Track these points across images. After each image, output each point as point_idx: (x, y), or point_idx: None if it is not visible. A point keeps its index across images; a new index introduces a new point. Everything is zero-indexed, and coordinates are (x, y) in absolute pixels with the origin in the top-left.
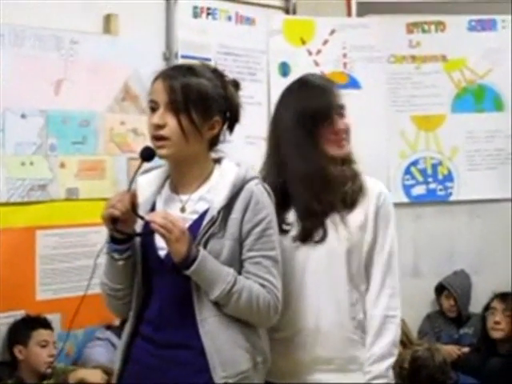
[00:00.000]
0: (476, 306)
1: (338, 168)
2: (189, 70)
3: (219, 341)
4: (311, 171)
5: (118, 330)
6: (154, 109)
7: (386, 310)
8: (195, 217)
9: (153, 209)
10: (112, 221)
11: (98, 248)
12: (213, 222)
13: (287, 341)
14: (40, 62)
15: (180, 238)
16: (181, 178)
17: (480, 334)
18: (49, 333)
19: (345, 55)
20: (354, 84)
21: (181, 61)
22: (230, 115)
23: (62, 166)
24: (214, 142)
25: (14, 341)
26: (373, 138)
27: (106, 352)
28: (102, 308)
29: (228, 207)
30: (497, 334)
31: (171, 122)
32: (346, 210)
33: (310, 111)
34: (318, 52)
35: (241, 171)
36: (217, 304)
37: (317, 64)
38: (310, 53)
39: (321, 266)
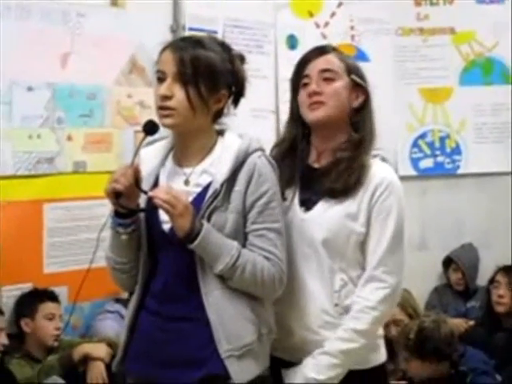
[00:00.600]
0: (483, 280)
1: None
2: (198, 42)
3: (224, 313)
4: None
5: (127, 303)
6: (161, 79)
7: (366, 300)
8: (199, 190)
9: (156, 182)
10: (115, 195)
11: (104, 221)
12: (216, 195)
13: (280, 316)
14: (46, 36)
15: (183, 212)
16: (184, 151)
17: (485, 307)
18: (56, 306)
19: (352, 28)
20: (361, 56)
21: (188, 33)
22: (236, 89)
23: (69, 138)
24: (218, 115)
25: (20, 313)
26: (380, 111)
27: (116, 324)
28: (108, 281)
29: (231, 180)
30: (500, 308)
31: (179, 93)
32: (333, 199)
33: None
34: (326, 24)
35: (243, 143)
36: (221, 277)
37: (324, 37)
38: (317, 25)
39: (306, 251)
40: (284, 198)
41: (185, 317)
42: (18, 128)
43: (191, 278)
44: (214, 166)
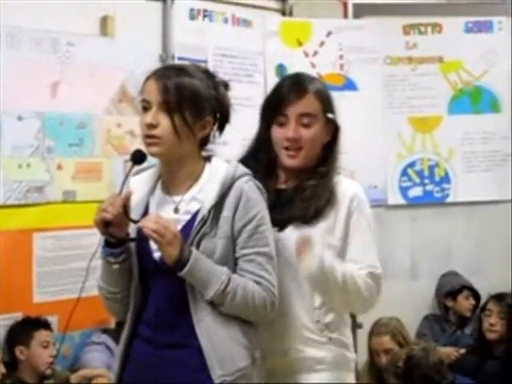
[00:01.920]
0: None
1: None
2: (181, 70)
3: (216, 339)
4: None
5: (113, 334)
6: (146, 108)
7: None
8: (188, 217)
9: (146, 210)
10: (104, 225)
11: (93, 250)
12: (204, 221)
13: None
14: (36, 64)
15: (172, 241)
16: (172, 178)
17: (476, 335)
18: (49, 333)
19: (341, 57)
20: (350, 86)
21: (177, 62)
22: (221, 115)
23: (59, 168)
24: (204, 142)
25: (15, 341)
26: (369, 140)
27: (103, 356)
28: (98, 310)
29: (219, 205)
30: (492, 336)
31: (164, 121)
32: (306, 223)
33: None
34: (315, 54)
35: (230, 169)
36: (212, 303)
37: (313, 66)
38: (306, 54)
39: (283, 269)
40: None
41: (178, 344)
42: (8, 157)
43: (183, 306)
44: (202, 193)
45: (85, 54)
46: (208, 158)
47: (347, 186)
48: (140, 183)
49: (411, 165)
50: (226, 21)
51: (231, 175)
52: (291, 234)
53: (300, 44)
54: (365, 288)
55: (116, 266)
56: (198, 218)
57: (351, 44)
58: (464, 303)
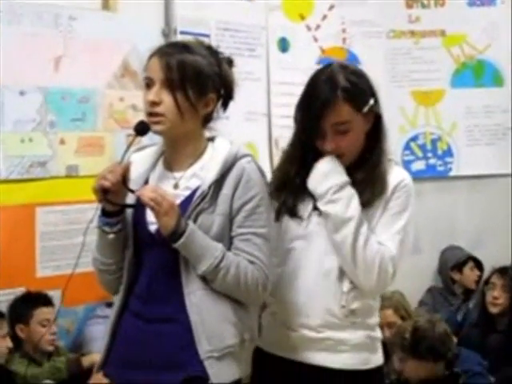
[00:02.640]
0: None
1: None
2: (184, 47)
3: (206, 314)
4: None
5: None
6: (149, 85)
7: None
8: (187, 193)
9: (146, 184)
10: (103, 192)
11: (89, 221)
12: (203, 196)
13: (278, 315)
14: (38, 39)
15: (169, 211)
16: (175, 155)
17: (479, 309)
18: (50, 310)
19: (344, 30)
20: (353, 59)
21: (180, 37)
22: (225, 92)
23: (62, 142)
24: (207, 119)
25: (15, 319)
26: None
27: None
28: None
29: (219, 183)
30: (495, 309)
31: (167, 98)
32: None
33: None
34: (317, 27)
35: (233, 148)
36: (205, 278)
37: (316, 40)
38: (309, 28)
39: (314, 252)
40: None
41: (167, 318)
42: (10, 132)
43: (174, 278)
44: (204, 170)
45: (87, 28)
46: (211, 139)
47: (394, 174)
48: (142, 159)
49: (414, 139)
50: None
51: (234, 154)
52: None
53: (302, 18)
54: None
55: (111, 236)
56: (198, 193)
57: (354, 18)
58: (470, 275)
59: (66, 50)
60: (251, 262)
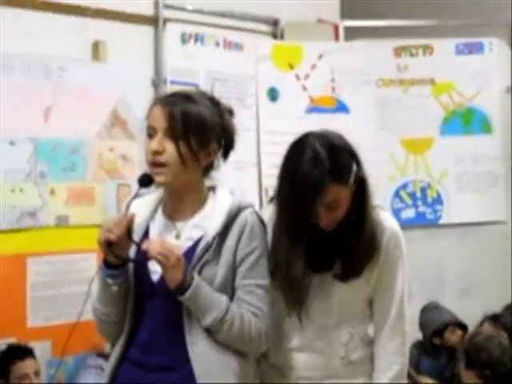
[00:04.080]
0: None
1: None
2: (187, 97)
3: (209, 364)
4: None
5: (109, 357)
6: (151, 135)
7: (394, 356)
8: (190, 244)
9: (146, 234)
10: (107, 245)
11: (87, 274)
12: (207, 248)
13: (278, 368)
14: (29, 89)
15: (176, 264)
16: (176, 205)
17: None
18: (28, 364)
19: (333, 79)
20: (342, 108)
21: (169, 87)
22: (226, 142)
23: (52, 192)
24: (208, 169)
25: None
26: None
27: (99, 379)
28: (92, 335)
29: (223, 234)
30: None
31: (170, 148)
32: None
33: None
34: (307, 77)
35: (235, 199)
36: (208, 329)
37: (305, 89)
38: (298, 77)
39: (310, 306)
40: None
41: (168, 367)
42: (1, 182)
43: (177, 329)
44: (206, 221)
45: (77, 78)
46: (212, 188)
47: (384, 225)
48: (140, 207)
49: (403, 186)
50: (217, 44)
51: (237, 205)
52: (326, 281)
53: (292, 67)
54: None
55: (114, 288)
56: (202, 245)
57: (343, 66)
58: (451, 337)
59: (56, 101)
60: (254, 314)
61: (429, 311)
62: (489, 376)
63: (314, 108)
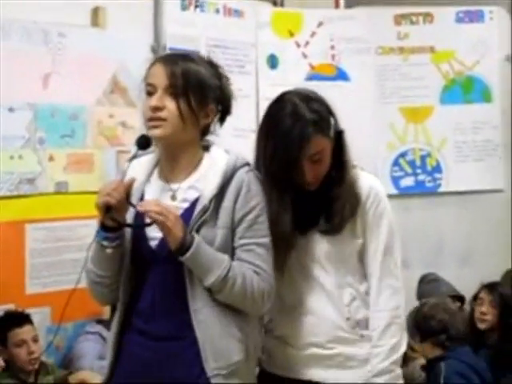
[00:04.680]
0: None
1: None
2: (187, 57)
3: (212, 331)
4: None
5: (108, 324)
6: (151, 92)
7: (387, 311)
8: (186, 205)
9: (142, 198)
10: (106, 208)
11: (86, 241)
12: (204, 210)
13: (284, 338)
14: (28, 56)
15: (175, 223)
16: (171, 166)
17: (468, 324)
18: (25, 330)
19: (333, 47)
20: (342, 76)
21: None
22: (223, 106)
23: (51, 159)
24: (205, 131)
25: None
26: (361, 130)
27: (97, 346)
28: (91, 302)
29: (219, 195)
30: (483, 325)
31: (170, 104)
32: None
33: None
34: (306, 44)
35: (231, 159)
36: (210, 294)
37: (305, 56)
38: (298, 45)
39: (310, 269)
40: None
41: (172, 336)
42: (0, 149)
43: (179, 295)
44: (202, 182)
45: (76, 45)
46: (207, 148)
47: (363, 181)
48: (136, 170)
49: (403, 155)
50: (217, 11)
51: (232, 165)
52: (315, 239)
53: (292, 34)
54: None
55: (109, 251)
56: (198, 208)
57: (343, 34)
58: None
59: (55, 67)
60: (256, 273)
61: (427, 283)
62: (444, 340)
63: (314, 75)
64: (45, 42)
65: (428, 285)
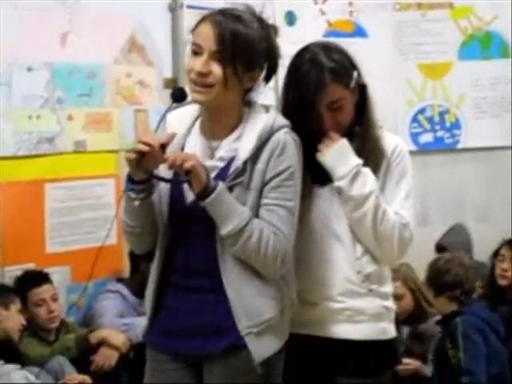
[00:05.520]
0: (482, 255)
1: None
2: (238, 18)
3: (243, 290)
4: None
5: (128, 283)
6: (196, 52)
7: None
8: (222, 164)
9: (182, 151)
10: (138, 157)
11: (105, 200)
12: (238, 172)
13: (300, 292)
14: (45, 15)
15: (198, 166)
16: (212, 125)
17: (488, 280)
18: (44, 289)
19: (350, 4)
20: (360, 32)
21: (186, 11)
22: (269, 66)
23: (70, 118)
24: (248, 91)
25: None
26: (379, 87)
27: (117, 304)
28: (112, 260)
29: (255, 157)
30: (504, 282)
31: (216, 70)
32: None
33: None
34: (324, 0)
35: (269, 120)
36: (238, 259)
37: (323, 13)
38: (315, 1)
39: (325, 222)
40: None
41: (209, 289)
42: (18, 108)
43: (211, 256)
44: (239, 142)
45: (93, 3)
46: (248, 103)
47: (388, 140)
48: (177, 121)
49: (421, 111)
50: None
51: (269, 127)
52: (334, 192)
53: None
54: (393, 231)
55: (136, 202)
56: (232, 168)
57: None
58: None
59: (72, 26)
60: (274, 233)
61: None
62: (459, 295)
63: (332, 32)
64: (62, 0)
65: (456, 236)
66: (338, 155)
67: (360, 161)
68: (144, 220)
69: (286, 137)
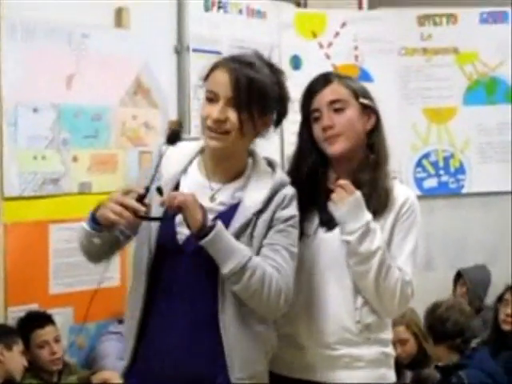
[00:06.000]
0: (489, 299)
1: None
2: (250, 64)
3: (239, 339)
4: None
5: None
6: (211, 99)
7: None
8: (222, 208)
9: (176, 189)
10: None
11: None
12: (247, 223)
13: (292, 337)
14: (51, 56)
15: (194, 204)
16: (217, 166)
17: (491, 325)
18: (47, 330)
19: (356, 48)
20: (365, 77)
21: (192, 54)
22: (280, 110)
23: (75, 159)
24: (257, 135)
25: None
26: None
27: (119, 346)
28: (114, 302)
29: (262, 209)
30: (507, 327)
31: (232, 116)
32: None
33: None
34: (330, 45)
35: (277, 177)
36: (238, 299)
37: (328, 57)
38: (321, 46)
39: (327, 270)
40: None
41: (199, 328)
42: (24, 149)
43: (206, 298)
44: (244, 191)
45: (100, 45)
46: (251, 153)
47: (401, 190)
48: (175, 156)
49: (426, 156)
50: (240, 12)
51: (278, 183)
52: (339, 238)
53: (315, 35)
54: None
55: (97, 240)
56: (240, 218)
57: (366, 35)
58: (458, 289)
59: (78, 68)
60: (277, 270)
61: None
62: (460, 344)
63: None
64: (68, 42)
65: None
66: (351, 210)
67: (370, 217)
68: (101, 246)
69: (292, 191)
